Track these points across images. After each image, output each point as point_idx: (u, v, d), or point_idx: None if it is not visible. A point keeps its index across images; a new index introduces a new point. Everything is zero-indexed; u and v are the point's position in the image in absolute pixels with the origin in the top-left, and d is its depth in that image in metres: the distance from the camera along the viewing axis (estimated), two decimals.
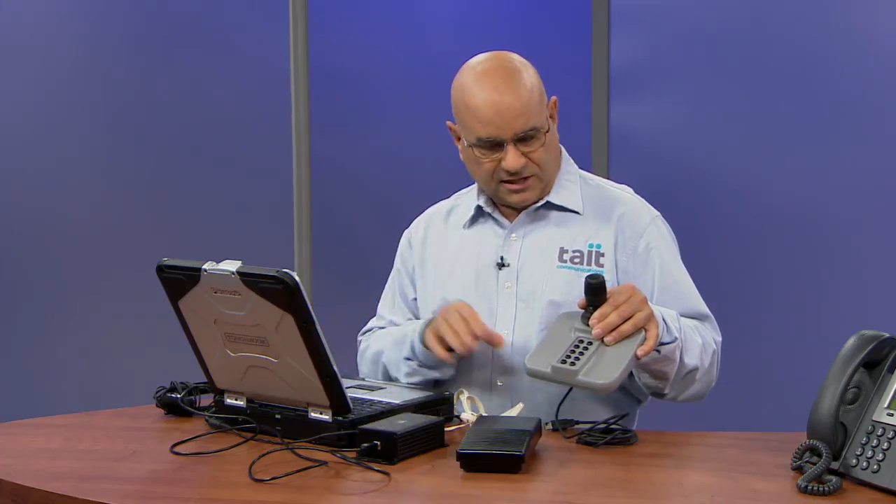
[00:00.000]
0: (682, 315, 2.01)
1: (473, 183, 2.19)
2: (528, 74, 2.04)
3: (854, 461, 1.54)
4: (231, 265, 1.73)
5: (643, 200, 2.16)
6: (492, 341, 1.97)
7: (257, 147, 3.65)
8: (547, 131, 2.04)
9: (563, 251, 2.08)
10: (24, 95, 3.83)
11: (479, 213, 2.16)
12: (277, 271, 1.67)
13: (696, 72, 3.23)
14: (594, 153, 3.24)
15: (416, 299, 2.22)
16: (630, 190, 2.18)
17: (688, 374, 1.96)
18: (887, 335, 1.60)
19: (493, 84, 2.01)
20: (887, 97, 3.07)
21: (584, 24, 3.26)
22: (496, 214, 2.14)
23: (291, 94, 3.57)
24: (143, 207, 3.77)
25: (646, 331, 1.82)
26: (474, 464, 1.61)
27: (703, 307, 2.08)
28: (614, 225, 2.08)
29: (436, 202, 2.29)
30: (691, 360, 1.94)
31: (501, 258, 2.10)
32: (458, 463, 1.62)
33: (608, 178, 2.21)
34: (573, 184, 2.13)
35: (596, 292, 1.84)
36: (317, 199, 3.61)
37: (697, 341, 1.97)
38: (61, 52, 3.79)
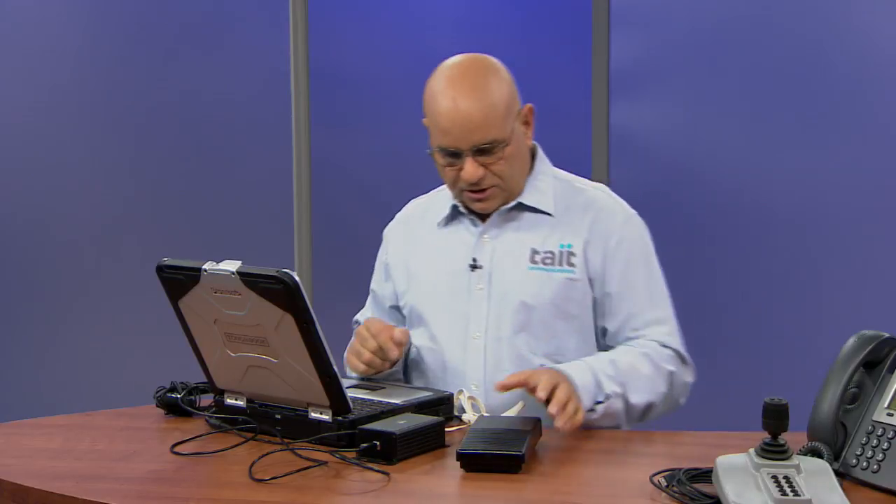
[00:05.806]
0: (637, 317, 2.02)
1: None
2: (498, 84, 2.00)
3: (854, 461, 1.54)
4: (231, 265, 1.73)
5: (619, 199, 2.13)
6: (386, 355, 1.99)
7: (257, 147, 3.65)
8: (508, 145, 2.00)
9: (534, 252, 2.06)
10: (23, 95, 3.82)
11: (455, 213, 2.14)
12: (277, 271, 1.67)
13: (695, 72, 3.22)
14: (594, 153, 3.24)
15: (387, 296, 2.23)
16: (605, 188, 2.16)
17: (645, 411, 1.99)
18: (887, 335, 1.60)
19: (455, 93, 1.98)
20: (887, 97, 3.06)
21: (584, 24, 3.26)
22: (471, 215, 2.12)
23: (291, 94, 3.57)
24: (143, 207, 3.76)
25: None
26: (474, 464, 1.62)
27: (662, 311, 2.05)
28: (587, 225, 2.07)
29: None
30: (642, 398, 1.96)
31: (474, 259, 2.09)
32: (458, 463, 1.62)
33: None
34: (546, 184, 2.11)
35: None
36: (317, 199, 3.61)
37: (645, 374, 1.97)
38: (62, 51, 3.79)
